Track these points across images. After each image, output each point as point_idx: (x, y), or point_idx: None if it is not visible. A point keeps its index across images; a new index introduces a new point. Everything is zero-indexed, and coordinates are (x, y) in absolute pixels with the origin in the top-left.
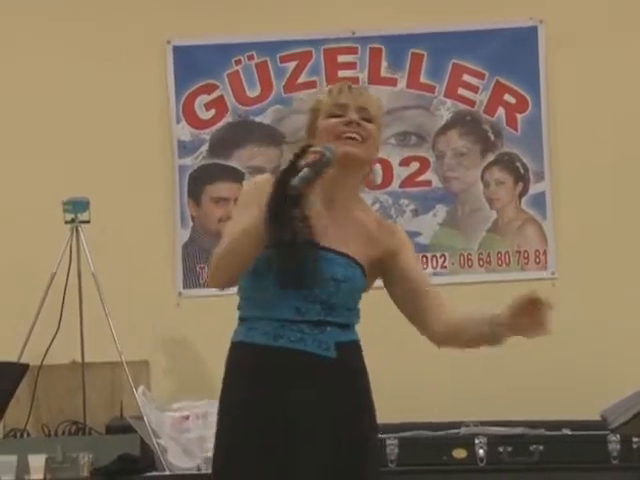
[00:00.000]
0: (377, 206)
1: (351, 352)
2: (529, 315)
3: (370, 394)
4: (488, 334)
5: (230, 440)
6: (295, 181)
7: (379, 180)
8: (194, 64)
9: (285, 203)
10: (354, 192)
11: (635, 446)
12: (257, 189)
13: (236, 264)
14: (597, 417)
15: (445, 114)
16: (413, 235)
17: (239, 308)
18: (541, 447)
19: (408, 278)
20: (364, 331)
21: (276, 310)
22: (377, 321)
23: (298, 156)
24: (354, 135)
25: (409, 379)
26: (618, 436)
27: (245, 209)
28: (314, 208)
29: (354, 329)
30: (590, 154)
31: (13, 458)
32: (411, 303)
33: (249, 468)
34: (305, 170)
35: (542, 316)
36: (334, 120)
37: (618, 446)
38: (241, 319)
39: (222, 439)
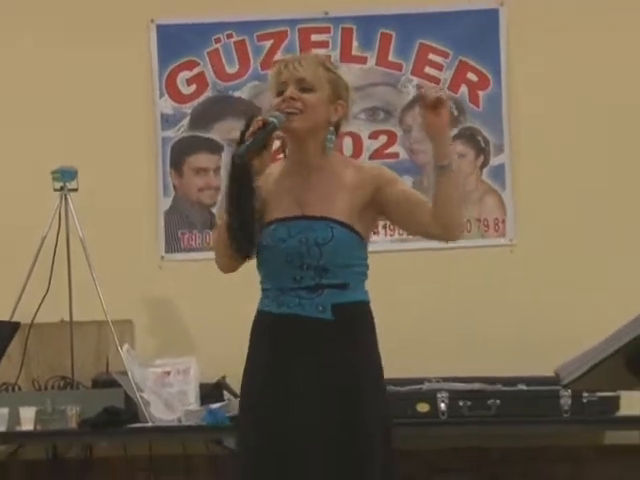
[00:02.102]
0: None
1: (350, 312)
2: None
3: (371, 354)
4: (437, 175)
5: (243, 389)
6: (239, 150)
7: (330, 145)
8: (176, 42)
9: (236, 172)
10: (322, 155)
11: (585, 400)
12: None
13: (222, 251)
14: (551, 374)
15: (412, 91)
16: None
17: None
18: (498, 401)
19: (399, 203)
20: None
21: (278, 280)
22: None
23: (245, 129)
24: (291, 110)
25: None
26: (569, 391)
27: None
28: (290, 182)
29: (357, 289)
30: (547, 129)
31: (5, 410)
32: (411, 221)
33: (252, 420)
34: (249, 139)
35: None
36: (276, 99)
37: (569, 400)
38: (261, 290)
39: (242, 388)
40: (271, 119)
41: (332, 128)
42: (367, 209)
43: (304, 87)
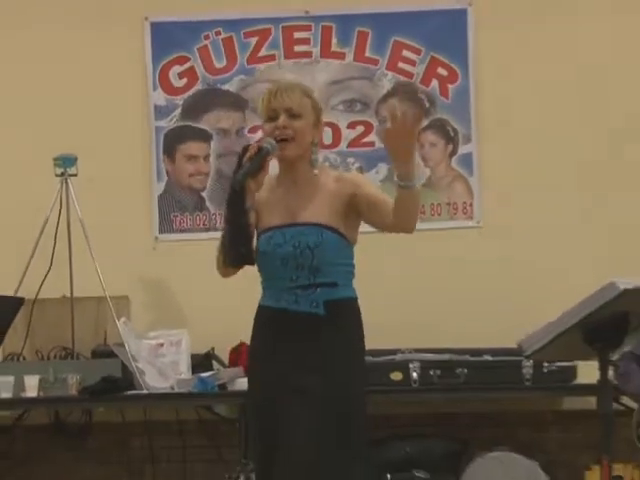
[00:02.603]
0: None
1: (340, 308)
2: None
3: (358, 343)
4: (398, 190)
5: (249, 373)
6: (238, 176)
7: (317, 163)
8: (168, 38)
9: (234, 196)
10: (309, 170)
11: (545, 370)
12: None
13: (222, 261)
14: (514, 346)
15: (386, 84)
16: None
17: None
18: (466, 370)
19: (369, 206)
20: None
21: (277, 280)
22: None
23: (242, 155)
24: (284, 137)
25: None
26: (531, 362)
27: None
28: (282, 193)
29: (345, 287)
30: (511, 119)
31: (11, 378)
32: (377, 221)
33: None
34: (246, 165)
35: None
36: (268, 125)
37: (531, 370)
38: (262, 287)
39: (248, 369)
40: (265, 145)
41: (315, 147)
42: (348, 213)
43: (293, 114)
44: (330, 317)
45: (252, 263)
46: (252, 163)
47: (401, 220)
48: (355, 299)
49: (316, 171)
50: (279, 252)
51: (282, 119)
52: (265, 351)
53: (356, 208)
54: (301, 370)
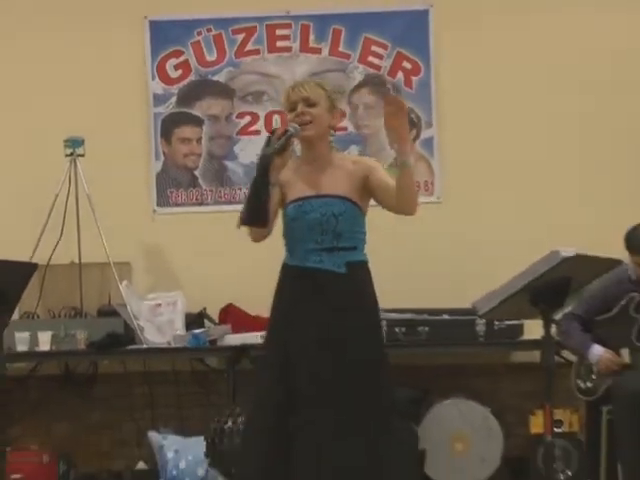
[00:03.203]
0: None
1: (358, 269)
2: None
3: (372, 297)
4: (399, 171)
5: (270, 321)
6: (267, 152)
7: (332, 145)
8: (165, 34)
9: (260, 170)
10: (328, 150)
11: (496, 327)
12: None
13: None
14: (469, 306)
15: (358, 76)
16: None
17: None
18: (427, 328)
19: (380, 187)
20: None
21: (305, 242)
22: None
23: (270, 136)
24: (303, 122)
25: None
26: (484, 320)
27: None
28: (306, 170)
29: (361, 251)
30: (467, 107)
31: (26, 334)
32: (382, 198)
33: (273, 351)
34: (274, 144)
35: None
36: (290, 115)
37: (484, 328)
38: (286, 248)
39: (271, 318)
40: (290, 128)
41: (333, 131)
42: (362, 190)
43: (309, 103)
44: (350, 275)
45: (268, 229)
46: (279, 142)
47: (402, 200)
48: (367, 262)
49: (333, 152)
50: (307, 219)
51: (300, 107)
52: (292, 303)
53: (368, 188)
54: (324, 318)
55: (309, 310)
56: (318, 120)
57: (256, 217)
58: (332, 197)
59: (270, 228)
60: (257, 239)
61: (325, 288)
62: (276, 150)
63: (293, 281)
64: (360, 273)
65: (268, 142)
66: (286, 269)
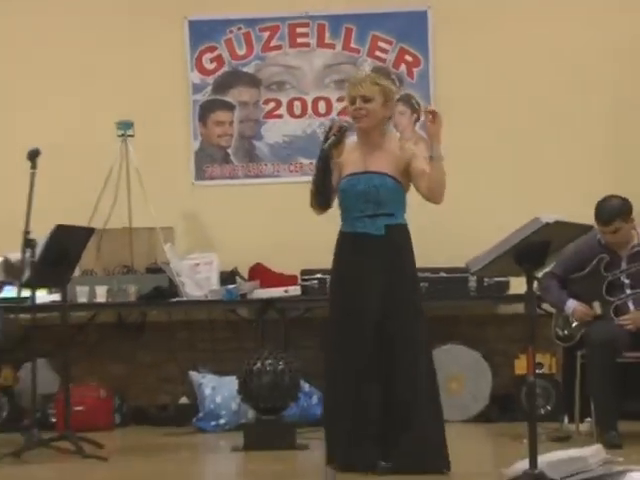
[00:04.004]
0: (322, 128)
1: (397, 231)
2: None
3: (411, 258)
4: (431, 164)
5: (332, 280)
6: (325, 146)
7: (385, 131)
8: (202, 32)
9: (321, 161)
10: (380, 136)
11: (485, 284)
12: None
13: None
14: (463, 265)
15: (367, 68)
16: None
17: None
18: (426, 284)
19: (416, 174)
20: None
21: (352, 211)
22: None
23: (328, 130)
24: (358, 115)
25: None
26: (475, 277)
27: None
28: (359, 153)
29: (399, 216)
30: (461, 94)
31: (86, 288)
32: (415, 184)
33: (339, 297)
34: (331, 138)
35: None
36: (350, 108)
37: (475, 284)
38: (341, 217)
39: (331, 279)
40: (344, 124)
41: (388, 120)
42: (403, 172)
43: (365, 99)
44: (389, 237)
45: (329, 206)
46: (335, 137)
47: (431, 189)
48: (406, 225)
49: (386, 137)
50: (354, 190)
51: (358, 102)
52: (346, 261)
53: (409, 172)
54: (372, 273)
55: (359, 267)
56: (372, 114)
57: (322, 200)
58: (375, 173)
59: (331, 204)
60: (320, 213)
61: (368, 248)
62: (332, 144)
63: (345, 244)
64: (397, 234)
65: (326, 137)
66: (341, 235)
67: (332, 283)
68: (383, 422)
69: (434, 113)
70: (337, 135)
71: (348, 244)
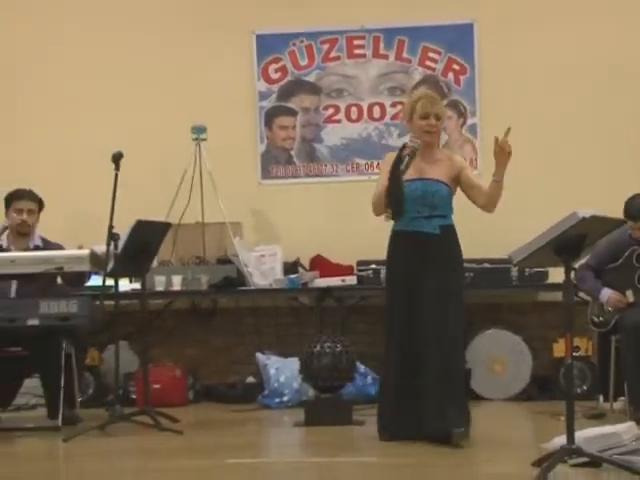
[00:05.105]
0: (376, 132)
1: (449, 231)
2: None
3: (460, 253)
4: (494, 183)
5: (391, 272)
6: (402, 166)
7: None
8: (268, 45)
9: (396, 177)
10: (435, 148)
11: (526, 273)
12: (390, 157)
13: (380, 203)
14: (506, 256)
15: (417, 76)
16: (396, 149)
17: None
18: (472, 274)
19: (468, 184)
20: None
21: (409, 212)
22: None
23: (402, 149)
24: (431, 131)
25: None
26: (517, 268)
27: (384, 168)
28: (419, 161)
29: (450, 218)
30: (504, 99)
31: (163, 277)
32: (469, 194)
33: (396, 287)
34: (406, 159)
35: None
36: (423, 122)
37: (517, 273)
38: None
39: (389, 272)
40: (415, 146)
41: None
42: (454, 178)
43: (437, 117)
44: (442, 235)
45: (403, 215)
46: (409, 157)
47: (489, 204)
48: (454, 225)
49: (443, 152)
50: (413, 195)
51: (433, 121)
52: (404, 256)
53: (459, 179)
54: (427, 267)
55: (416, 261)
56: (439, 131)
57: (399, 212)
58: (431, 180)
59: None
60: (380, 214)
61: (425, 245)
62: (407, 165)
63: (402, 241)
64: (449, 233)
65: (399, 155)
66: (396, 234)
67: (390, 274)
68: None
69: (505, 145)
70: (411, 155)
71: (405, 241)
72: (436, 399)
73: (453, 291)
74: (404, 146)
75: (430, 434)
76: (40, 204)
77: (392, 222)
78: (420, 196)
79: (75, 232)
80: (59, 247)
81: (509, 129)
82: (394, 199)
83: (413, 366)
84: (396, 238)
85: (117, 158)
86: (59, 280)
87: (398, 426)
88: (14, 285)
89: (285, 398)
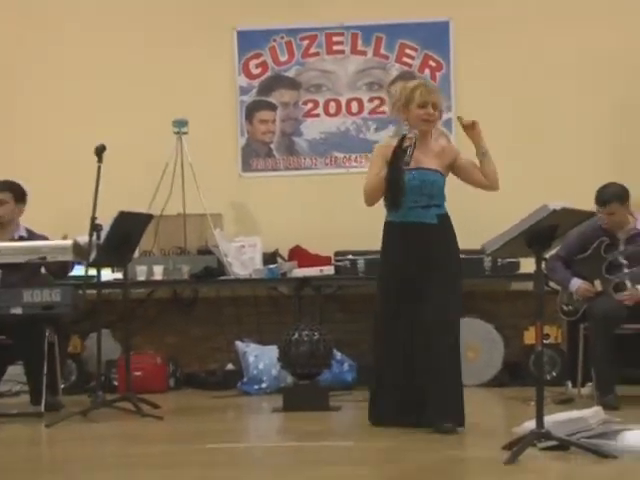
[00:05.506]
0: (354, 126)
1: (445, 219)
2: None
3: (456, 240)
4: (480, 158)
5: (385, 262)
6: (406, 159)
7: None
8: (249, 41)
9: (398, 167)
10: (430, 138)
11: (499, 263)
12: (381, 148)
13: (374, 195)
14: (479, 247)
15: (394, 72)
16: (374, 143)
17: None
18: None
19: (469, 168)
20: None
21: (407, 202)
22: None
23: (401, 140)
24: (429, 119)
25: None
26: (490, 258)
27: (376, 160)
28: (416, 152)
29: (444, 207)
30: (478, 95)
31: (145, 267)
32: (472, 177)
33: (394, 277)
34: (408, 150)
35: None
36: (422, 111)
37: (490, 264)
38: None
39: (382, 263)
40: (414, 137)
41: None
42: (448, 166)
43: (435, 106)
44: (440, 224)
45: (400, 207)
46: (410, 149)
47: (492, 180)
48: (448, 214)
49: (436, 141)
50: (410, 184)
51: (431, 110)
52: (400, 248)
53: (454, 166)
54: (426, 257)
55: (414, 252)
56: (436, 120)
57: (398, 204)
58: (427, 170)
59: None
60: (372, 205)
61: (423, 235)
62: (410, 154)
63: (398, 232)
64: (446, 222)
65: (400, 143)
66: (390, 225)
67: (386, 265)
68: (414, 382)
69: (474, 122)
70: (413, 146)
71: (402, 232)
72: (443, 392)
73: (453, 279)
74: (403, 137)
75: (435, 429)
76: (16, 194)
77: (372, 213)
78: (418, 186)
79: (61, 224)
80: (44, 238)
81: (459, 117)
82: (396, 191)
83: (417, 351)
84: (392, 229)
85: (100, 151)
86: (43, 270)
87: (396, 416)
88: None
89: (264, 385)
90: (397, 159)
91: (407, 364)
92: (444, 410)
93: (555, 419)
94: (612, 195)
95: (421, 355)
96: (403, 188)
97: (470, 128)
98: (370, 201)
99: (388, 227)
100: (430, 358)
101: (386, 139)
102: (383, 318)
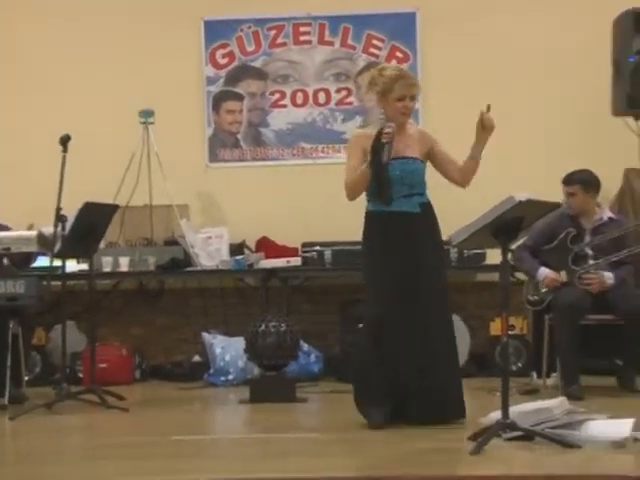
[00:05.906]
0: (321, 117)
1: (427, 208)
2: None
3: (439, 228)
4: (470, 159)
5: (368, 252)
6: (384, 158)
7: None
8: (216, 31)
9: (380, 163)
10: (406, 126)
11: (465, 255)
12: (359, 138)
13: (356, 189)
14: (446, 238)
15: (362, 63)
16: (341, 134)
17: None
18: None
19: (444, 160)
20: None
21: None
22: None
23: (379, 133)
24: (407, 112)
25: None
26: (456, 249)
27: (355, 151)
28: (396, 142)
29: (426, 195)
30: (446, 86)
31: (110, 258)
32: (444, 169)
33: (380, 264)
34: (386, 145)
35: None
36: (400, 104)
37: (456, 255)
38: (370, 199)
39: (367, 255)
40: (392, 131)
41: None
42: (426, 154)
43: (412, 98)
44: (423, 213)
45: (392, 200)
46: (389, 144)
47: (465, 180)
48: (430, 202)
49: (412, 126)
50: (392, 174)
51: (409, 103)
52: (383, 238)
53: (430, 154)
54: (410, 246)
55: (399, 241)
56: (413, 109)
57: (389, 197)
58: (408, 158)
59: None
60: (354, 199)
61: (406, 224)
62: (389, 150)
63: (381, 222)
64: (429, 211)
65: (378, 136)
66: (372, 215)
67: (370, 256)
68: (408, 374)
69: (489, 122)
70: (390, 142)
71: (385, 222)
72: (446, 387)
73: (437, 267)
74: (380, 132)
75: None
76: None
77: (339, 204)
78: (399, 175)
79: (27, 215)
80: (6, 228)
81: (489, 106)
82: (382, 186)
83: (417, 351)
84: (374, 219)
85: (65, 141)
86: (6, 261)
87: (394, 408)
88: None
89: (230, 376)
90: (376, 154)
91: (405, 363)
92: (450, 404)
93: (520, 410)
94: (578, 178)
95: (421, 354)
96: (388, 181)
97: (488, 130)
98: (352, 196)
99: (370, 217)
100: (431, 356)
101: (361, 130)
102: (380, 319)
